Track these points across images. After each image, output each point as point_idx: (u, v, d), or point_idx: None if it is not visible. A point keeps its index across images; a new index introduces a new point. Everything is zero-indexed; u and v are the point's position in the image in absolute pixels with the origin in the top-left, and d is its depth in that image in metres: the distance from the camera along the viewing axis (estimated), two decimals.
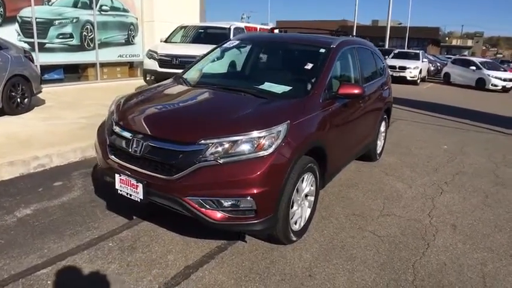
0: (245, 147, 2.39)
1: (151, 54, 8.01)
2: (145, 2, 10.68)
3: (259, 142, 2.41)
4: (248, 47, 4.02)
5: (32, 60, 6.19)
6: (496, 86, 16.41)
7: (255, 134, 2.42)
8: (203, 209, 2.37)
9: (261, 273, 2.54)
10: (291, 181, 2.57)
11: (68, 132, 5.05)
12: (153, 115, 2.80)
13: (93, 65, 9.77)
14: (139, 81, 10.50)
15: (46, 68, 8.52)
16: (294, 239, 2.86)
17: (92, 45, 9.53)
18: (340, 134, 3.39)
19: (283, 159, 2.46)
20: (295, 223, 2.86)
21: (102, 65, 9.98)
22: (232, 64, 3.99)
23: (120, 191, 2.61)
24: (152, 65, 7.87)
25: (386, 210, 3.66)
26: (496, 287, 2.56)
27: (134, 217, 3.18)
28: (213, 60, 3.98)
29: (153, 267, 2.53)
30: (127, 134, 2.64)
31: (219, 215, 2.39)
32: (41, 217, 3.11)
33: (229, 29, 9.25)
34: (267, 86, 3.31)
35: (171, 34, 9.06)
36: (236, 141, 2.39)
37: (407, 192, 4.16)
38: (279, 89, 3.22)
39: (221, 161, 2.35)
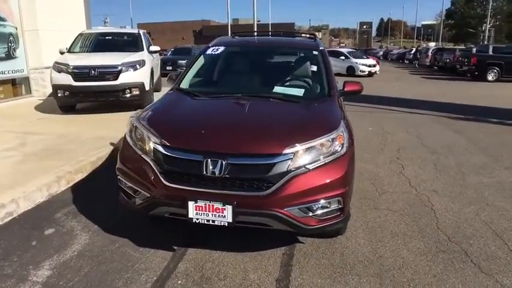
0: (325, 150, 2.51)
1: (60, 68, 6.97)
2: (25, 9, 9.08)
3: (334, 143, 2.55)
4: (237, 53, 4.00)
5: None
6: (363, 71, 19.39)
7: (331, 135, 2.55)
8: (300, 218, 2.40)
9: (343, 266, 2.70)
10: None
11: (11, 169, 4.15)
12: (217, 131, 2.62)
13: None
14: (28, 100, 9.03)
15: None
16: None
17: None
18: None
19: (351, 156, 2.66)
20: None
21: None
22: (230, 71, 3.89)
23: (197, 219, 2.40)
24: (64, 79, 6.87)
25: (379, 189, 4.17)
26: (497, 227, 3.27)
27: (175, 247, 2.93)
28: (203, 69, 3.85)
29: None
30: (194, 156, 2.43)
31: (313, 220, 2.45)
32: (69, 275, 2.58)
33: (139, 34, 8.73)
34: (280, 89, 3.41)
35: (73, 43, 8.00)
36: (316, 145, 2.48)
37: (380, 171, 4.78)
38: (296, 91, 3.37)
39: (310, 167, 2.41)
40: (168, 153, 2.49)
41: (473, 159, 5.27)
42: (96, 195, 3.94)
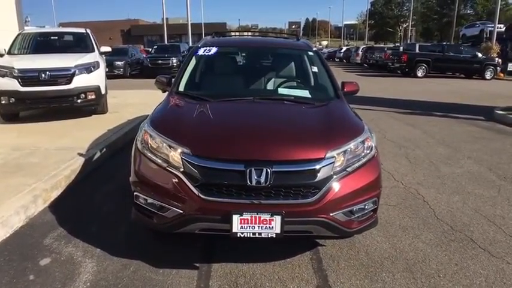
0: (359, 152, 2.54)
1: (2, 71, 6.15)
2: None
3: (364, 145, 2.58)
4: (234, 53, 3.88)
5: None
6: None
7: (360, 138, 2.59)
8: (343, 222, 2.40)
9: (373, 264, 2.75)
10: None
11: None
12: (255, 137, 2.50)
13: None
14: None
15: None
16: None
17: None
18: None
19: (379, 156, 2.71)
20: None
21: None
22: (230, 72, 3.74)
23: (242, 233, 2.27)
24: (8, 84, 6.09)
25: None
26: (486, 213, 3.59)
27: (196, 264, 2.75)
28: (200, 70, 3.68)
29: None
30: (235, 166, 2.29)
31: (353, 223, 2.47)
32: None
33: (87, 33, 8.05)
34: (286, 91, 3.38)
35: (13, 44, 7.10)
36: (351, 148, 2.50)
37: None
38: (302, 93, 3.38)
39: (349, 170, 2.41)
40: (204, 165, 2.32)
41: (438, 151, 5.73)
42: (82, 214, 3.55)
